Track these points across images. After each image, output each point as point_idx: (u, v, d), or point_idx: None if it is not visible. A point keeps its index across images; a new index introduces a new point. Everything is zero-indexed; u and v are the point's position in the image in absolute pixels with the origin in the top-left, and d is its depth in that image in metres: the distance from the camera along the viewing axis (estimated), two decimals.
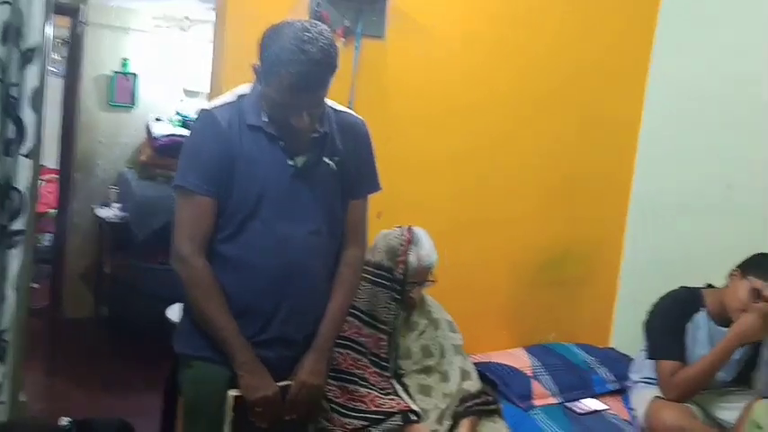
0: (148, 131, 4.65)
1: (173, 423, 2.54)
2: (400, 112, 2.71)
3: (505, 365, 2.76)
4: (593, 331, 3.21)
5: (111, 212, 4.44)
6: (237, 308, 1.74)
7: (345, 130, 1.86)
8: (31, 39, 2.06)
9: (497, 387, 2.66)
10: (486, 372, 2.69)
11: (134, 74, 4.80)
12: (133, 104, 4.83)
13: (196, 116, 1.81)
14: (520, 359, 2.84)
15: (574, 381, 2.77)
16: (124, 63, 4.78)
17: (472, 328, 2.61)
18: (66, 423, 1.52)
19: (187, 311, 1.85)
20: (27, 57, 2.05)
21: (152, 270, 4.08)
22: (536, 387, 2.68)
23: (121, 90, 4.78)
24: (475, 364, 2.55)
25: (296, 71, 1.60)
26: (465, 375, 2.37)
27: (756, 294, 2.35)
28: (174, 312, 2.18)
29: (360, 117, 1.94)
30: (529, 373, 2.74)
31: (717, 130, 2.82)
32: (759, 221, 2.61)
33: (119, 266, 4.46)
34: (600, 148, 3.11)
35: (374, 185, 1.97)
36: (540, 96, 2.96)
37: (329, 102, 1.83)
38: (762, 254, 2.44)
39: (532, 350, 2.93)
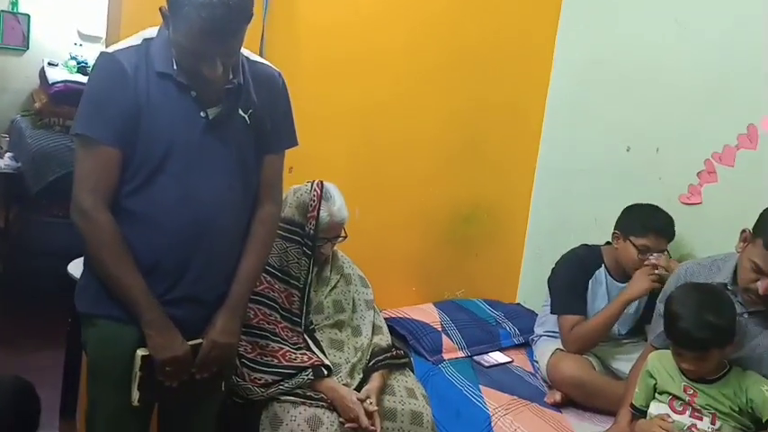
0: (42, 76, 4.36)
1: (76, 382, 2.46)
2: (312, 62, 2.65)
3: (416, 320, 2.81)
4: (500, 287, 3.30)
5: (2, 162, 4.16)
6: (144, 265, 1.65)
7: (261, 82, 1.78)
8: None
9: (408, 341, 2.71)
10: (397, 326, 2.74)
11: (26, 14, 4.47)
12: (25, 47, 4.50)
13: (97, 59, 1.68)
14: (430, 314, 2.90)
15: (481, 335, 2.86)
16: (13, 1, 4.43)
17: (383, 283, 2.63)
18: None
19: (89, 268, 1.75)
20: None
21: (49, 224, 3.87)
22: (445, 341, 2.74)
23: (11, 31, 4.44)
24: (386, 319, 2.58)
25: (207, 15, 1.49)
26: (376, 330, 2.39)
27: (645, 250, 2.47)
28: (77, 268, 2.07)
29: (276, 69, 1.86)
30: (438, 327, 2.80)
31: (617, 97, 2.93)
32: (654, 180, 2.74)
33: (13, 220, 4.21)
34: (507, 109, 3.16)
35: (291, 140, 1.91)
36: (451, 53, 2.96)
37: (244, 51, 1.74)
38: (629, 208, 2.57)
39: (442, 306, 3.00)
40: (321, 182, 2.30)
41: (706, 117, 2.59)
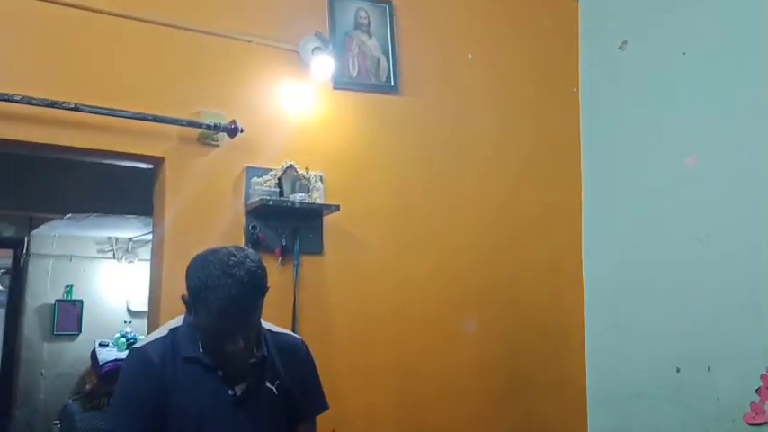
0: (93, 358, 4.51)
1: None
2: (343, 323, 2.69)
3: None
4: None
5: None
6: None
7: (285, 352, 1.80)
8: None
9: None
10: None
11: (80, 300, 4.75)
12: (78, 331, 4.72)
13: (127, 355, 1.74)
14: None
15: None
16: (68, 290, 4.73)
17: None
18: None
19: None
20: None
21: None
22: None
23: (65, 318, 4.69)
24: None
25: (224, 295, 1.55)
26: None
27: None
28: None
29: (299, 337, 1.90)
30: None
31: (657, 313, 2.86)
32: (713, 401, 2.59)
33: None
34: (548, 337, 3.10)
35: (321, 405, 1.89)
36: (483, 286, 2.97)
37: (265, 324, 1.79)
38: None
39: None
40: None
41: (754, 331, 2.50)
